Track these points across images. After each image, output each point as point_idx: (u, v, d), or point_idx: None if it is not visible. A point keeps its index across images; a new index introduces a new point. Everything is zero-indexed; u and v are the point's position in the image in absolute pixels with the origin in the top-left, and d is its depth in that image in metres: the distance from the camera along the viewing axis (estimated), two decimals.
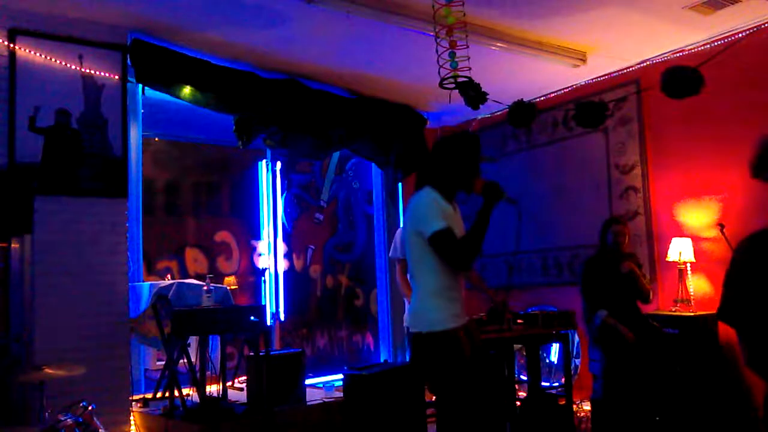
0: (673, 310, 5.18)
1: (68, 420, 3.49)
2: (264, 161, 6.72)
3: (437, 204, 3.03)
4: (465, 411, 2.87)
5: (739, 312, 2.81)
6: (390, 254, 5.04)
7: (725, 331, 5.08)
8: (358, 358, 7.15)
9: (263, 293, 6.49)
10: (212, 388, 5.06)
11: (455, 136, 3.32)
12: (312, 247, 7.12)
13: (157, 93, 5.30)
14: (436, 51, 4.29)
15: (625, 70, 5.92)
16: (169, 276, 5.54)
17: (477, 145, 3.19)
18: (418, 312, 3.01)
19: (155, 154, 6.17)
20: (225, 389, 5.08)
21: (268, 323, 5.69)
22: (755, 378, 4.86)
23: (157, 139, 6.18)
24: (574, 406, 5.05)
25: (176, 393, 4.71)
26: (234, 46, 5.29)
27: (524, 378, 5.38)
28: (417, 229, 2.98)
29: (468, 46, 4.32)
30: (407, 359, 5.08)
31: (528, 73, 5.93)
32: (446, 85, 4.41)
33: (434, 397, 3.12)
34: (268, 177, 6.72)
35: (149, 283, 5.00)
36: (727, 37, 5.14)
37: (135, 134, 5.24)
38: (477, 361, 2.99)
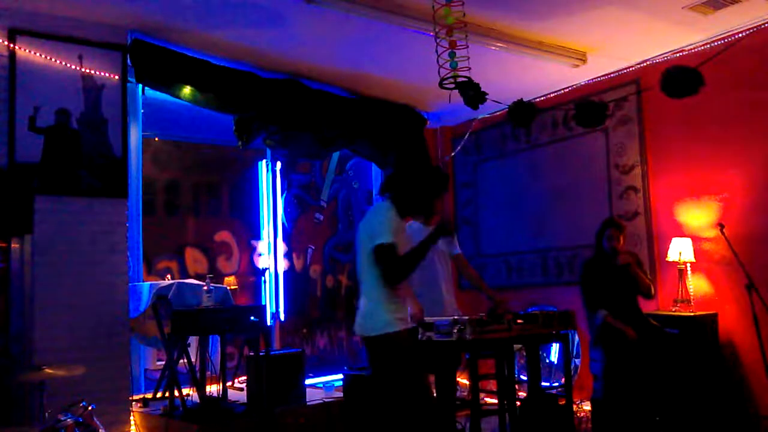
0: (673, 310, 5.18)
1: (68, 420, 3.49)
2: (264, 161, 6.72)
3: (392, 219, 3.26)
4: (413, 410, 3.17)
5: None
6: None
7: (725, 331, 5.09)
8: (358, 358, 7.15)
9: (263, 293, 6.49)
10: (212, 388, 5.07)
11: (433, 170, 3.57)
12: (312, 247, 7.12)
13: (157, 93, 5.30)
14: (436, 51, 4.29)
15: (625, 70, 5.92)
16: (169, 276, 5.54)
17: (445, 185, 3.51)
18: (367, 316, 3.25)
19: (155, 154, 6.18)
20: (225, 389, 5.07)
21: (268, 323, 5.69)
22: (755, 378, 4.88)
23: (157, 139, 6.18)
24: (574, 406, 5.05)
25: (176, 393, 4.71)
26: (234, 46, 5.29)
27: (524, 378, 5.37)
28: (369, 237, 3.23)
29: (468, 46, 4.32)
30: None
31: (528, 73, 5.93)
32: (446, 85, 4.41)
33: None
34: (268, 177, 6.72)
35: (149, 283, 5.00)
36: (727, 37, 5.14)
37: (135, 134, 5.24)
38: (420, 363, 3.25)
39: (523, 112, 4.71)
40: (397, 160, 3.46)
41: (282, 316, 6.59)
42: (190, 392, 4.82)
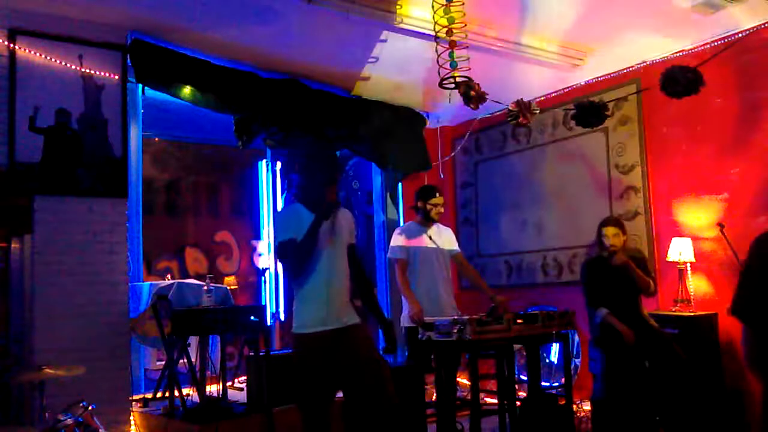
0: (673, 310, 5.18)
1: (68, 420, 3.49)
2: (264, 161, 6.72)
3: (283, 216, 3.42)
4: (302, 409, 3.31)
5: (752, 310, 2.80)
6: (389, 255, 5.02)
7: (725, 331, 5.08)
8: None
9: (263, 293, 6.49)
10: (212, 388, 5.07)
11: (319, 157, 3.54)
12: None
13: (157, 93, 5.30)
14: (436, 51, 4.29)
15: (625, 70, 5.92)
16: (169, 276, 5.55)
17: (333, 170, 3.42)
18: (293, 313, 3.35)
19: (155, 154, 6.18)
20: (225, 389, 5.07)
21: (268, 323, 5.69)
22: (755, 378, 4.87)
23: (157, 139, 6.19)
24: (574, 406, 5.04)
25: (176, 393, 4.71)
26: (234, 46, 5.29)
27: (524, 378, 5.37)
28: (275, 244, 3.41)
29: (468, 46, 4.32)
30: (405, 359, 5.07)
31: (528, 73, 5.93)
32: (446, 85, 4.41)
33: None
34: (268, 177, 6.72)
35: (149, 283, 5.01)
36: (727, 37, 5.13)
37: (135, 134, 5.24)
38: (335, 368, 3.27)
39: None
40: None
41: (282, 316, 6.59)
42: (190, 392, 4.82)
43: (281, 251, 3.25)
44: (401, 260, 4.84)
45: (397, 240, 4.89)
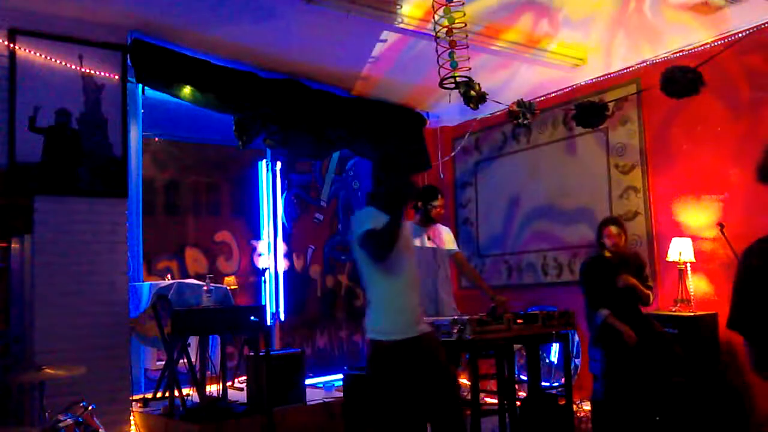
0: (673, 310, 5.18)
1: (68, 420, 3.49)
2: (264, 161, 6.72)
3: (369, 215, 3.27)
4: (386, 418, 3.18)
5: (750, 321, 2.79)
6: None
7: (725, 331, 5.08)
8: (358, 358, 7.15)
9: (263, 293, 6.49)
10: (212, 388, 5.07)
11: (403, 183, 3.51)
12: (312, 247, 7.12)
13: (157, 93, 5.30)
14: (436, 51, 4.29)
15: (625, 70, 5.92)
16: (169, 276, 5.54)
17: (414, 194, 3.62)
18: (367, 320, 3.29)
19: (155, 154, 6.17)
20: (225, 389, 5.08)
21: (268, 323, 5.69)
22: (755, 378, 4.87)
23: (157, 139, 6.18)
24: (574, 406, 5.05)
25: (176, 393, 4.71)
26: (234, 46, 5.29)
27: (524, 378, 5.37)
28: (355, 238, 3.25)
29: (468, 46, 4.32)
30: None
31: (528, 73, 5.93)
32: (446, 85, 4.41)
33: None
34: (268, 177, 6.71)
35: (149, 283, 5.00)
36: (727, 37, 5.13)
37: (135, 134, 5.24)
38: (417, 376, 3.17)
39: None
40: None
41: (282, 316, 6.59)
42: (190, 392, 4.82)
43: (364, 237, 3.13)
44: None
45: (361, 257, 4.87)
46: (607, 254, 4.77)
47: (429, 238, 4.89)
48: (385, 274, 3.20)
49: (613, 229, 4.77)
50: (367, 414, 3.28)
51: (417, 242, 4.88)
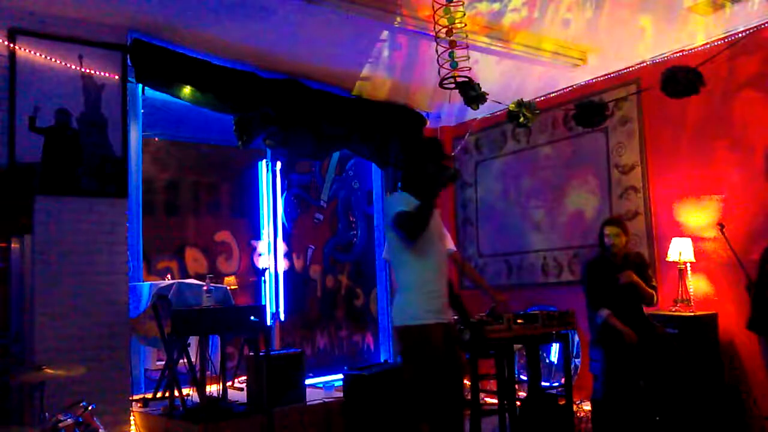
0: (673, 310, 5.18)
1: (68, 420, 3.49)
2: (264, 161, 6.71)
3: (404, 197, 3.25)
4: (428, 406, 3.08)
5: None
6: (384, 255, 5.02)
7: (725, 331, 5.09)
8: (358, 358, 7.15)
9: (263, 293, 6.49)
10: (212, 388, 5.06)
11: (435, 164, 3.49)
12: (312, 247, 7.12)
13: (157, 93, 5.31)
14: (436, 51, 4.29)
15: (625, 70, 5.92)
16: (169, 276, 5.54)
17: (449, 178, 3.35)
18: (397, 307, 3.22)
19: (155, 154, 6.17)
20: (225, 389, 5.08)
21: (268, 323, 5.69)
22: (755, 378, 4.87)
23: (157, 139, 6.18)
24: (574, 406, 5.05)
25: (176, 393, 4.71)
26: (234, 46, 5.29)
27: (524, 378, 5.37)
28: (388, 222, 3.23)
29: (468, 46, 4.32)
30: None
31: (528, 73, 5.93)
32: (446, 85, 4.41)
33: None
34: (268, 177, 6.71)
35: (149, 283, 5.00)
36: (727, 37, 5.13)
37: (135, 134, 5.23)
38: (449, 362, 3.14)
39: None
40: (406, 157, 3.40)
41: (282, 316, 6.59)
42: (190, 392, 4.82)
43: (398, 218, 3.12)
44: (389, 261, 4.83)
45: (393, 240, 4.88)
46: (609, 254, 4.77)
47: None
48: (419, 258, 3.17)
49: (614, 229, 4.77)
50: (399, 411, 3.20)
51: None
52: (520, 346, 5.25)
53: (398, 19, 4.77)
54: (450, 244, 5.08)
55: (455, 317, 3.58)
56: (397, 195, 3.32)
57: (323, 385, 5.89)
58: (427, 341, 3.08)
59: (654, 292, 4.72)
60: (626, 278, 4.62)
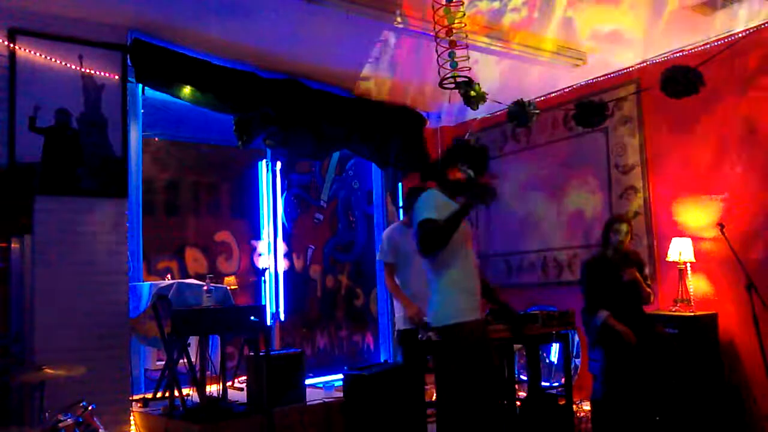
0: (673, 310, 5.18)
1: (68, 420, 3.49)
2: (264, 161, 6.71)
3: (435, 197, 3.21)
4: (475, 406, 3.05)
5: None
6: (378, 257, 5.00)
7: (725, 331, 5.09)
8: (358, 358, 7.15)
9: (263, 293, 6.49)
10: (212, 388, 5.06)
11: (459, 144, 3.58)
12: (312, 247, 7.12)
13: (157, 93, 5.30)
14: (436, 51, 4.29)
15: (625, 70, 5.92)
16: (169, 276, 5.54)
17: (486, 161, 3.42)
18: (439, 306, 3.17)
19: (155, 154, 6.17)
20: (225, 389, 5.07)
21: (268, 323, 5.69)
22: (755, 378, 4.87)
23: (157, 139, 6.18)
24: (574, 406, 5.05)
25: (176, 393, 4.71)
26: (234, 46, 5.29)
27: (524, 378, 5.37)
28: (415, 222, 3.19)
29: (468, 46, 4.32)
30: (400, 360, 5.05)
31: (528, 73, 5.93)
32: (446, 85, 4.41)
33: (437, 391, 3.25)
34: (268, 177, 6.71)
35: (149, 283, 5.00)
36: (727, 37, 5.13)
37: (135, 134, 5.23)
38: (488, 357, 3.15)
39: (522, 111, 4.69)
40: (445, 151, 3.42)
41: (282, 316, 6.59)
42: (190, 392, 4.82)
43: (420, 227, 3.10)
44: (390, 263, 4.83)
45: (386, 242, 4.88)
46: (609, 253, 4.76)
47: None
48: (459, 256, 3.19)
49: (623, 226, 4.76)
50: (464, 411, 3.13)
51: (407, 243, 4.89)
52: (520, 346, 5.24)
53: (398, 19, 4.77)
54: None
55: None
56: (430, 194, 3.28)
57: (323, 385, 5.89)
58: (474, 337, 3.11)
59: (651, 291, 4.74)
60: (630, 275, 4.62)
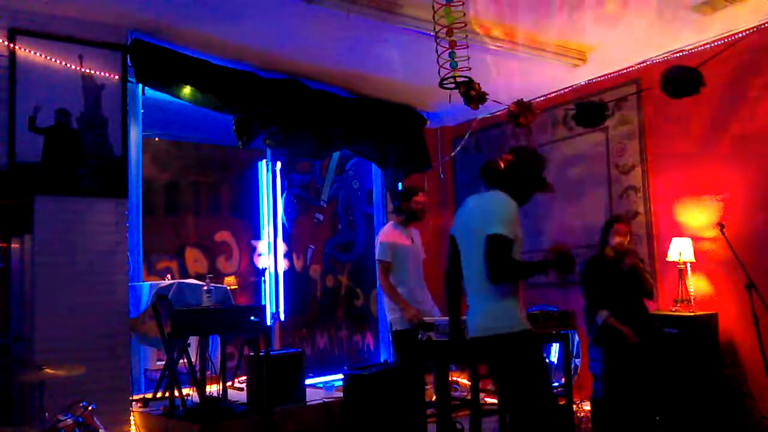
0: (673, 310, 5.18)
1: (68, 420, 3.49)
2: (264, 161, 6.72)
3: (512, 210, 3.08)
4: (545, 408, 3.01)
5: None
6: (378, 256, 4.96)
7: (725, 331, 5.09)
8: (358, 358, 7.15)
9: (263, 293, 6.49)
10: (212, 388, 5.07)
11: (532, 151, 3.44)
12: (312, 247, 7.12)
13: (157, 93, 5.30)
14: (436, 51, 4.29)
15: (625, 70, 5.92)
16: (169, 276, 5.54)
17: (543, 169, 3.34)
18: (497, 314, 3.05)
19: (155, 154, 6.17)
20: (225, 389, 5.08)
21: (268, 323, 5.69)
22: (755, 378, 4.87)
23: (157, 139, 6.18)
24: (574, 406, 5.05)
25: (176, 393, 4.71)
26: (234, 46, 5.29)
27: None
28: (485, 223, 3.02)
29: (468, 46, 4.31)
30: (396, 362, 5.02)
31: (528, 73, 5.93)
32: (446, 85, 4.41)
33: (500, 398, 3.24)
34: (268, 177, 6.71)
35: (149, 283, 5.00)
36: (727, 37, 5.13)
37: (135, 134, 5.23)
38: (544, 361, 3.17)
39: (522, 111, 4.68)
40: (512, 150, 3.30)
41: (282, 316, 6.59)
42: (190, 392, 4.82)
43: (501, 247, 2.95)
44: (386, 262, 4.83)
45: (384, 241, 4.88)
46: (609, 253, 4.76)
47: (412, 240, 4.92)
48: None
49: (623, 227, 4.76)
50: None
51: (403, 243, 4.90)
52: None
53: (398, 18, 4.77)
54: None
55: None
56: (503, 198, 3.12)
57: (323, 385, 5.90)
58: (536, 344, 3.08)
59: (652, 283, 4.73)
60: (630, 261, 4.62)
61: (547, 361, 3.25)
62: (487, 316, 3.08)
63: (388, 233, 4.94)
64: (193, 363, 4.84)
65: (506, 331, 3.01)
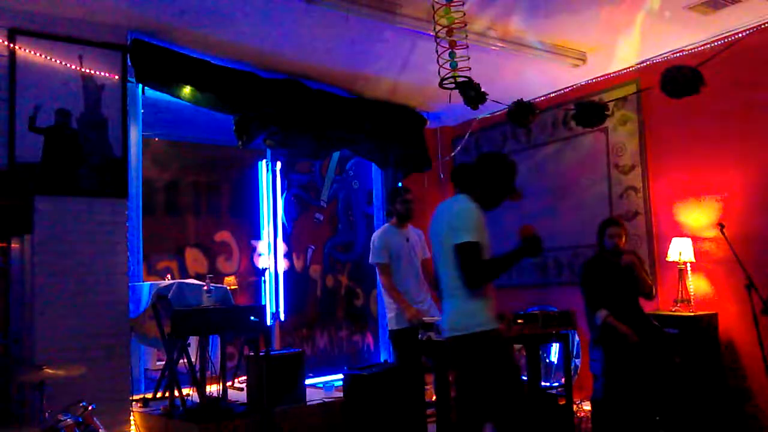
0: (673, 310, 5.18)
1: (68, 420, 3.49)
2: (264, 161, 6.72)
3: (475, 215, 3.16)
4: (505, 409, 3.04)
5: None
6: (371, 260, 4.97)
7: (725, 331, 5.09)
8: (358, 358, 7.15)
9: (263, 293, 6.49)
10: (212, 388, 5.07)
11: (502, 157, 3.50)
12: (312, 247, 7.12)
13: (157, 93, 5.30)
14: (436, 51, 4.29)
15: (625, 70, 5.92)
16: (169, 276, 5.54)
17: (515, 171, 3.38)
18: (463, 313, 3.11)
19: (155, 154, 6.17)
20: (225, 389, 5.08)
21: (268, 323, 5.69)
22: (755, 378, 4.88)
23: (157, 139, 6.18)
24: (574, 406, 5.05)
25: (176, 393, 4.71)
26: (234, 46, 5.29)
27: (524, 378, 5.37)
28: (451, 231, 3.12)
29: (468, 46, 4.32)
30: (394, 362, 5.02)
31: (528, 73, 5.93)
32: (446, 85, 4.41)
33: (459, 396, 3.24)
34: (268, 177, 6.71)
35: (149, 283, 5.00)
36: (727, 37, 5.13)
37: (135, 134, 5.23)
38: (512, 360, 3.20)
39: (522, 112, 4.70)
40: (481, 156, 3.34)
41: (282, 316, 6.59)
42: (190, 392, 4.82)
43: (469, 253, 3.05)
44: (383, 263, 4.83)
45: (378, 243, 4.88)
46: (607, 254, 4.77)
47: (407, 240, 4.92)
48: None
49: (614, 229, 4.78)
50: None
51: (399, 244, 4.90)
52: (520, 346, 5.24)
53: (398, 19, 4.77)
54: (425, 250, 5.08)
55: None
56: (464, 204, 3.19)
57: (323, 385, 5.89)
58: (502, 344, 3.12)
59: (651, 284, 4.74)
60: (628, 259, 4.63)
61: (516, 361, 3.24)
62: (454, 316, 3.15)
63: (380, 235, 4.95)
64: (193, 363, 4.85)
65: (469, 332, 3.07)
